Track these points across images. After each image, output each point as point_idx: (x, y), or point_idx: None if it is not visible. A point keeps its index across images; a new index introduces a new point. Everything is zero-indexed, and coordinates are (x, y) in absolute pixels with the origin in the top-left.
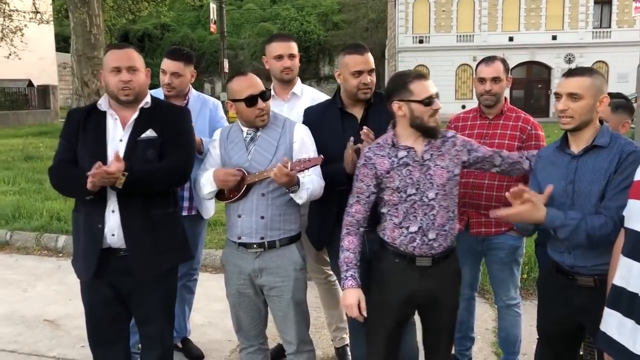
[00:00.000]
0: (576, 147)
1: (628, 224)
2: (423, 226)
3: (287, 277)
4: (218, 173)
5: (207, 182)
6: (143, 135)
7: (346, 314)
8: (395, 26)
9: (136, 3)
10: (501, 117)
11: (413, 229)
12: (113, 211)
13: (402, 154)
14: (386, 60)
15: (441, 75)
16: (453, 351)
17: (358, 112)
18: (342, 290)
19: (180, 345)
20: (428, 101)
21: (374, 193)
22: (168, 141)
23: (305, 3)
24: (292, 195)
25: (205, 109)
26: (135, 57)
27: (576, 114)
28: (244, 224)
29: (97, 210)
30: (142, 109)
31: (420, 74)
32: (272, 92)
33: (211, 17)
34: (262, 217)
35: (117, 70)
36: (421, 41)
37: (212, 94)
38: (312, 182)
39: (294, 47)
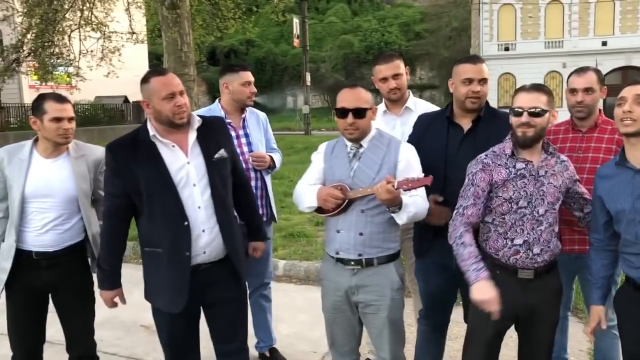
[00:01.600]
0: (635, 160)
1: None
2: (529, 240)
3: (383, 296)
4: (321, 192)
5: (309, 196)
6: (217, 156)
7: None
8: (479, 34)
9: (224, 21)
10: (595, 129)
11: (518, 241)
12: (203, 230)
13: (520, 165)
14: None
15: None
16: None
17: (466, 124)
18: (475, 282)
19: (268, 354)
20: (515, 111)
21: (486, 199)
22: (232, 157)
23: (387, 14)
24: (392, 214)
25: (259, 122)
26: (179, 81)
27: (639, 117)
28: (342, 239)
29: (183, 240)
30: (198, 128)
31: (525, 86)
32: (385, 108)
33: (294, 31)
34: (361, 234)
35: (172, 95)
36: (507, 48)
37: (294, 107)
38: (415, 205)
39: (398, 65)
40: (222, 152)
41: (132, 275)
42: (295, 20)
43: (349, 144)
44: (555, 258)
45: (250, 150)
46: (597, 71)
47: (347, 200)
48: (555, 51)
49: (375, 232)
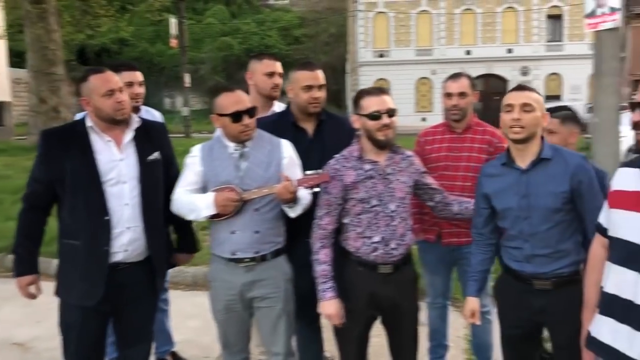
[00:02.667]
0: (522, 161)
1: (614, 233)
2: (385, 236)
3: (278, 287)
4: (218, 198)
5: (203, 204)
6: (151, 157)
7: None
8: (355, 40)
9: (95, 18)
10: (469, 131)
11: (376, 239)
12: (128, 228)
13: (367, 167)
14: (347, 74)
15: (401, 89)
16: (428, 359)
17: (309, 127)
18: (321, 301)
19: (169, 358)
20: (374, 115)
21: (340, 204)
22: (167, 162)
23: (266, 17)
24: (287, 209)
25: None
26: (118, 79)
27: (528, 124)
28: (238, 239)
29: (102, 235)
30: (137, 128)
31: (374, 90)
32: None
33: (171, 32)
34: (257, 232)
35: (111, 92)
36: (381, 55)
37: (172, 109)
38: (305, 197)
39: (279, 65)
40: (156, 155)
41: (1, 290)
42: (173, 20)
43: (231, 145)
44: (410, 250)
45: None
46: (470, 77)
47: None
48: (426, 59)
49: (269, 229)
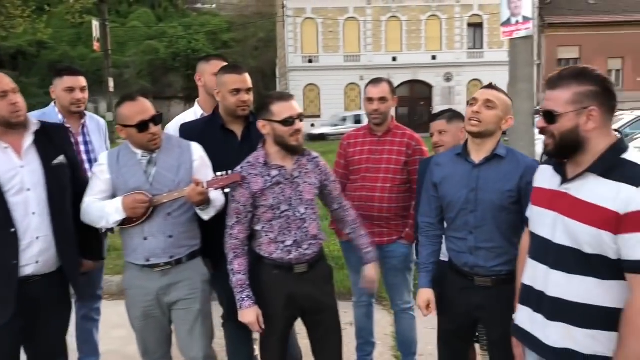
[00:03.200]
0: (477, 156)
1: (531, 228)
2: (298, 239)
3: (195, 289)
4: (127, 201)
5: (112, 209)
6: (56, 162)
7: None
8: (284, 46)
9: (10, 19)
10: (389, 134)
11: (289, 242)
12: (37, 238)
13: (274, 173)
14: (277, 79)
15: (331, 94)
16: (355, 357)
17: (238, 129)
18: (240, 310)
19: None
20: (287, 121)
21: (250, 212)
22: (72, 165)
23: (193, 21)
24: (200, 212)
25: (100, 129)
26: (10, 80)
27: (485, 120)
28: (151, 245)
29: (9, 248)
30: (36, 132)
31: (283, 95)
32: (201, 110)
33: (94, 34)
34: (171, 237)
35: (4, 94)
36: (310, 61)
37: (97, 114)
38: (217, 199)
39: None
40: (61, 159)
41: None
42: (95, 23)
43: (138, 151)
44: (322, 248)
45: (90, 159)
46: (390, 82)
47: (151, 207)
48: (354, 64)
49: (182, 232)
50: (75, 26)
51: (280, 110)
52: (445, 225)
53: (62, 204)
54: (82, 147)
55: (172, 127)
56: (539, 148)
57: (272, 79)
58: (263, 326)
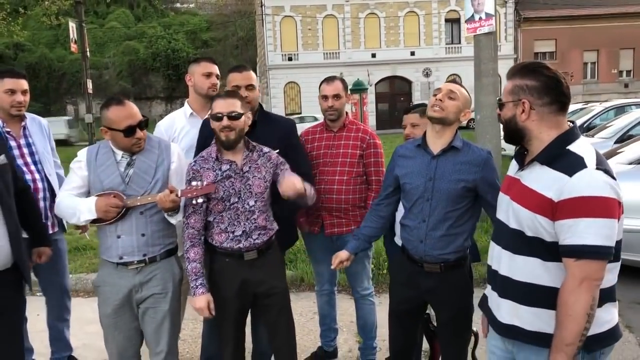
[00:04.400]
0: (435, 147)
1: (496, 213)
2: (247, 230)
3: (166, 289)
4: (100, 203)
5: (84, 208)
6: None
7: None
8: (264, 44)
9: None
10: (344, 129)
11: (238, 232)
12: None
13: (225, 167)
14: (258, 78)
15: (311, 91)
16: (319, 343)
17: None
18: (193, 297)
19: None
20: (216, 117)
21: (204, 202)
22: (11, 166)
23: (172, 21)
24: (168, 217)
25: (42, 129)
26: None
27: (447, 108)
28: (125, 243)
29: None
30: None
31: (223, 93)
32: (190, 109)
33: (71, 36)
34: (143, 235)
35: None
36: (290, 58)
37: (76, 116)
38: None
39: (215, 67)
40: (2, 158)
41: None
42: (72, 24)
43: (118, 152)
44: (272, 237)
45: (35, 161)
46: (343, 80)
47: (124, 208)
48: (333, 62)
49: (156, 231)
50: (52, 28)
51: (215, 105)
52: (402, 214)
53: (10, 201)
54: (25, 150)
55: (164, 125)
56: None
57: None
58: (213, 312)
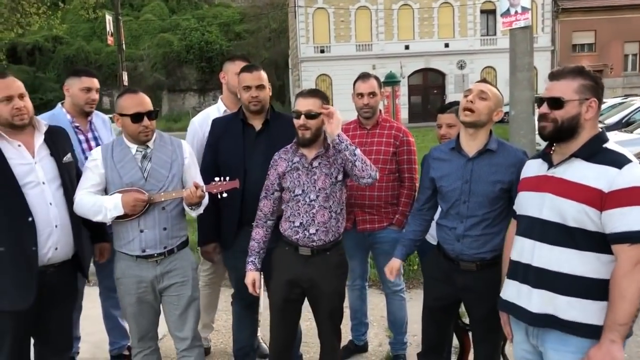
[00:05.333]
0: (470, 149)
1: (519, 211)
2: (304, 222)
3: (186, 276)
4: (127, 199)
5: (112, 207)
6: (65, 159)
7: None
8: (296, 36)
9: (26, 17)
10: (377, 127)
11: (297, 223)
12: (56, 226)
13: (296, 159)
14: (290, 70)
15: (343, 84)
16: (350, 337)
17: (257, 124)
18: (246, 271)
19: (127, 352)
20: (295, 114)
21: (277, 190)
22: (75, 164)
23: (206, 13)
24: (190, 210)
25: (106, 124)
26: (20, 84)
27: (478, 110)
28: (147, 237)
29: (28, 236)
30: (45, 132)
31: (303, 92)
32: (224, 106)
33: (108, 29)
34: (165, 229)
35: (9, 98)
36: (322, 51)
37: (112, 108)
38: (206, 198)
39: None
40: (69, 156)
41: None
42: (108, 17)
43: (133, 146)
44: (336, 238)
45: None
46: (377, 78)
47: (148, 204)
48: (366, 54)
49: (175, 224)
50: (89, 21)
51: (296, 104)
52: (439, 215)
53: (73, 196)
54: (92, 143)
55: (197, 121)
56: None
57: (285, 69)
58: (258, 291)
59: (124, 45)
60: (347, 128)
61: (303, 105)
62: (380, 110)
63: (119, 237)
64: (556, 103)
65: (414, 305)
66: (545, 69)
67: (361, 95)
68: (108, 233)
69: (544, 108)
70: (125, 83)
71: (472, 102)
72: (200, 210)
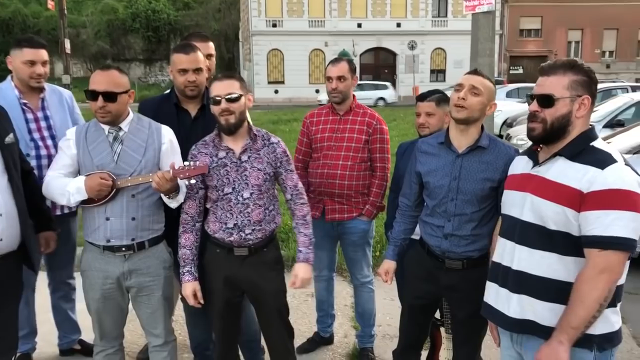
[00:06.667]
0: (459, 145)
1: (503, 210)
2: (239, 223)
3: (157, 276)
4: (92, 183)
5: (74, 190)
6: (7, 140)
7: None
8: (248, 9)
9: None
10: (350, 113)
11: (230, 224)
12: (0, 215)
13: (222, 154)
14: (240, 43)
15: (295, 60)
16: (316, 328)
17: (192, 109)
18: (181, 282)
19: (78, 347)
20: (214, 100)
21: (201, 188)
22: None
23: None
24: (168, 200)
25: (63, 102)
26: None
27: (471, 106)
28: (113, 226)
29: None
30: None
31: (221, 75)
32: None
33: None
34: (133, 219)
35: None
36: (274, 25)
37: (52, 76)
38: (183, 186)
39: (209, 47)
40: (11, 137)
41: None
42: None
43: (105, 127)
44: (271, 234)
45: (52, 135)
46: (350, 61)
47: (114, 189)
48: (318, 30)
49: (146, 215)
50: None
51: (212, 88)
52: (424, 211)
53: (18, 181)
54: (42, 123)
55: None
56: (497, 119)
57: (235, 42)
58: (201, 301)
59: (65, 10)
60: (319, 113)
61: (222, 88)
62: (354, 96)
63: (86, 225)
64: (546, 101)
65: (379, 294)
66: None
67: (330, 79)
68: (54, 221)
69: (534, 106)
70: (68, 51)
71: (464, 98)
72: (180, 198)
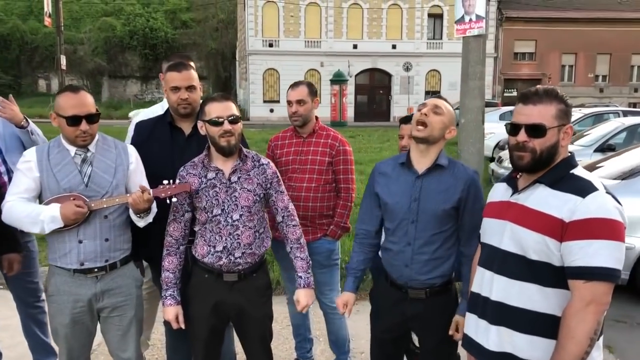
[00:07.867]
0: (420, 166)
1: (482, 239)
2: (228, 246)
3: (129, 295)
4: (67, 212)
5: (49, 219)
6: None
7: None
8: (245, 28)
9: None
10: (313, 135)
11: (219, 248)
12: None
13: (211, 175)
14: (237, 62)
15: (291, 79)
16: (295, 355)
17: (187, 127)
18: (163, 306)
19: None
20: (215, 121)
21: (188, 211)
22: None
23: None
24: (137, 219)
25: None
26: None
27: (431, 124)
28: (87, 249)
29: None
30: None
31: (218, 96)
32: (168, 103)
33: (45, 9)
34: (107, 240)
35: None
36: (271, 45)
37: (48, 92)
38: (154, 206)
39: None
40: None
41: None
42: None
43: (72, 148)
44: (261, 259)
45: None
46: (310, 85)
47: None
48: (314, 50)
49: (118, 235)
50: None
51: (210, 110)
52: (384, 236)
53: None
54: None
55: (141, 119)
56: (489, 142)
57: (232, 61)
58: (183, 326)
59: (62, 27)
60: (283, 136)
61: (222, 109)
62: (316, 118)
63: (54, 250)
64: (537, 131)
65: (361, 319)
66: (488, 75)
67: (290, 102)
68: (19, 242)
69: (523, 136)
70: (64, 67)
71: (426, 115)
72: (150, 218)
